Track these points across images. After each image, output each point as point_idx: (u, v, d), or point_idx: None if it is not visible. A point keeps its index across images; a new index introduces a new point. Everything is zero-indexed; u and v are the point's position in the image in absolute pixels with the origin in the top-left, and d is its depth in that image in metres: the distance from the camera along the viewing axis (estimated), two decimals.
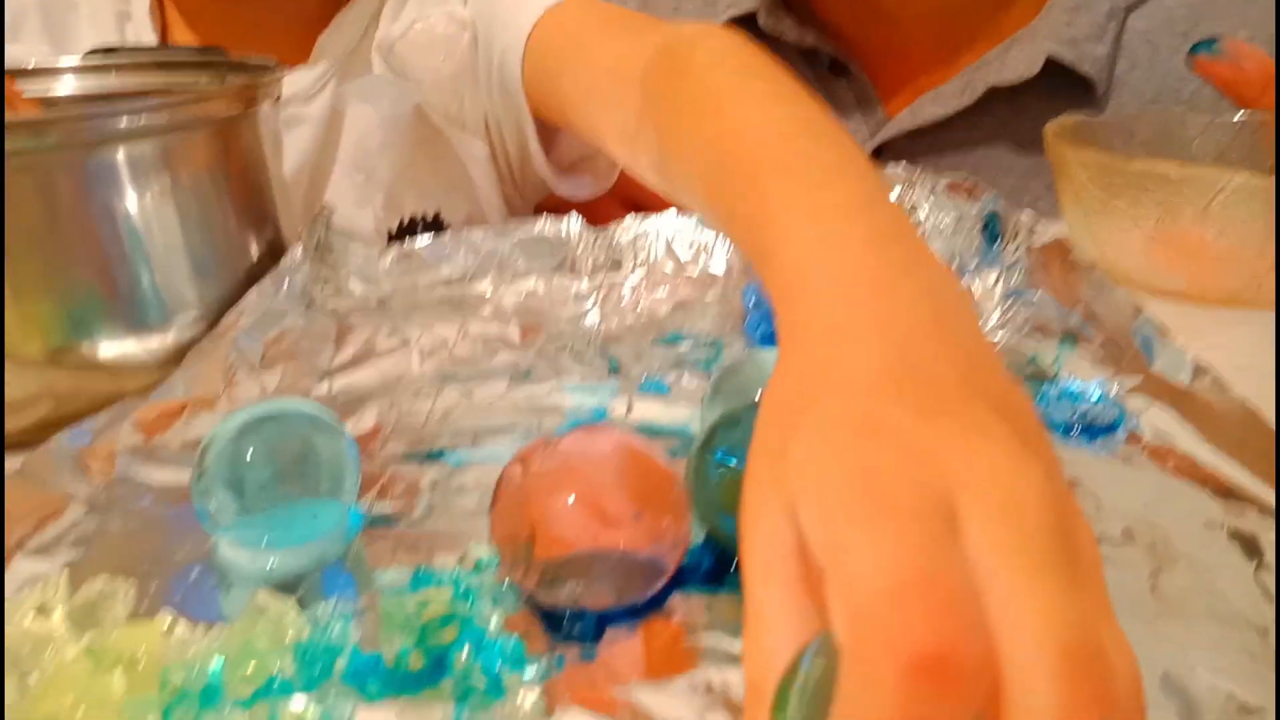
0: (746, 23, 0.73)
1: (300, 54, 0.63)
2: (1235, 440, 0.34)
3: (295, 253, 0.50)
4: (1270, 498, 0.31)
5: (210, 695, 0.26)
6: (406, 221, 0.64)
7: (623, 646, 0.28)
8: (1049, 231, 0.50)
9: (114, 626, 0.28)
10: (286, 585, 0.30)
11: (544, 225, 0.56)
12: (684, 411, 0.41)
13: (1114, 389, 0.39)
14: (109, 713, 0.25)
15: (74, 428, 0.37)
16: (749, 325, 0.50)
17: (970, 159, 0.70)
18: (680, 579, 0.30)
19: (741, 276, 0.54)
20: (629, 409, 0.42)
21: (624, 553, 0.28)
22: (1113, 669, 0.17)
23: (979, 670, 0.16)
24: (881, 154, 0.71)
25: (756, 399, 0.25)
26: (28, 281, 0.40)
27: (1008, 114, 0.68)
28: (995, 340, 0.46)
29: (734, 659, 0.27)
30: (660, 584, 0.29)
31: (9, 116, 0.40)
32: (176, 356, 0.43)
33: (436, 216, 0.65)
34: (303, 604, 0.29)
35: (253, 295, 0.45)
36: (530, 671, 0.27)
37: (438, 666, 0.27)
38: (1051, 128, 0.53)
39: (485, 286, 0.55)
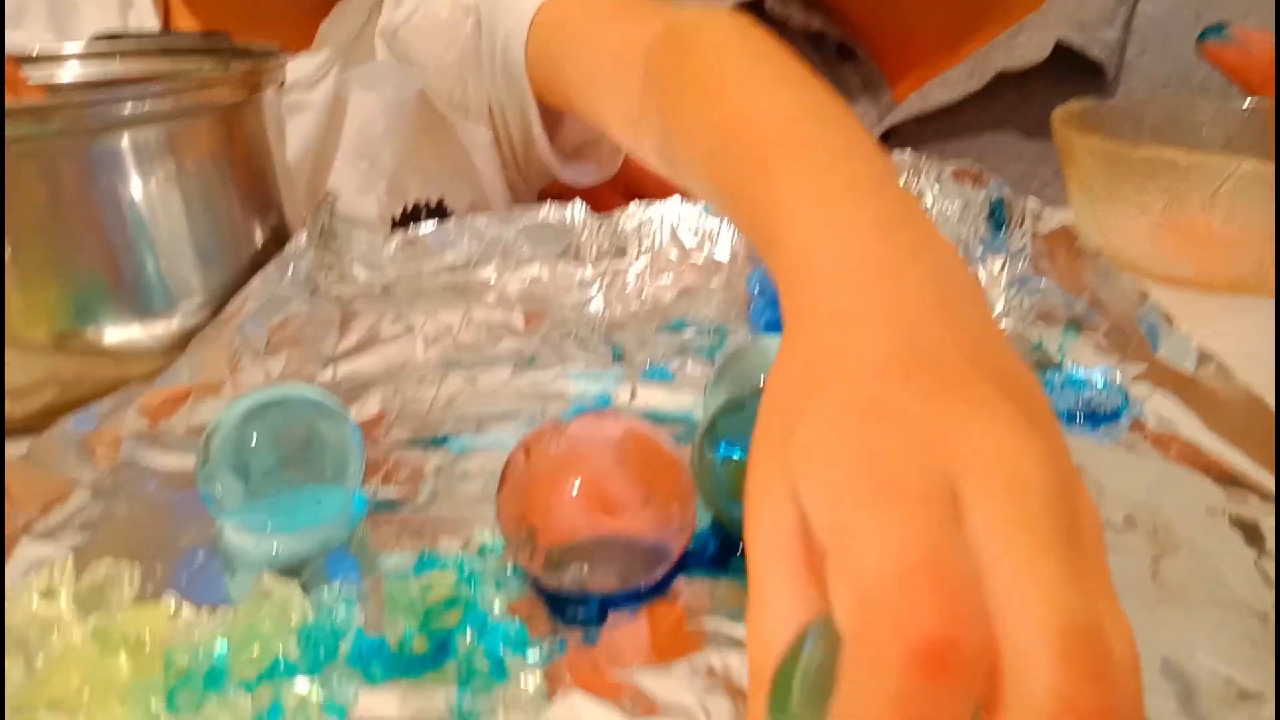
0: (753, 8, 0.73)
1: (303, 41, 0.63)
2: (1239, 427, 0.34)
3: (299, 239, 0.50)
4: (1272, 484, 0.31)
5: (215, 677, 0.26)
6: (410, 208, 0.64)
7: (625, 630, 0.28)
8: (1055, 218, 0.49)
9: (119, 610, 0.28)
10: (291, 570, 0.31)
11: (548, 212, 0.56)
12: (688, 398, 0.41)
13: (1118, 376, 0.39)
14: (114, 694, 0.25)
15: (79, 413, 0.38)
16: (753, 312, 0.50)
17: (978, 144, 0.70)
18: (685, 564, 0.30)
19: (746, 263, 0.54)
20: (633, 395, 0.42)
21: (630, 538, 0.28)
22: (1110, 650, 0.17)
23: (981, 655, 0.16)
24: (889, 139, 0.71)
25: (761, 384, 0.25)
26: (33, 268, 0.41)
27: (1016, 99, 0.68)
28: (1000, 327, 0.46)
29: (736, 643, 0.27)
30: (666, 569, 0.29)
31: (13, 102, 0.40)
32: (181, 342, 0.43)
33: (440, 203, 0.65)
34: (307, 588, 0.29)
35: (257, 281, 0.46)
36: (533, 655, 0.27)
37: (441, 649, 0.27)
38: (1059, 114, 0.53)
39: (489, 273, 0.55)
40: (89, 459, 0.37)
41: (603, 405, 0.41)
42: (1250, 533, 0.30)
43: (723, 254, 0.56)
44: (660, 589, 0.29)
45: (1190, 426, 0.35)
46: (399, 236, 0.56)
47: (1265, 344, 0.40)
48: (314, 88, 0.61)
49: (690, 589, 0.29)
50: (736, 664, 0.26)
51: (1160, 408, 0.37)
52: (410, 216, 0.64)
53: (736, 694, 0.25)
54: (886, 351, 0.21)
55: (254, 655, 0.26)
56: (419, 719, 0.25)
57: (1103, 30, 0.65)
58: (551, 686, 0.26)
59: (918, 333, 0.21)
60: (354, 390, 0.43)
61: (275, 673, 0.26)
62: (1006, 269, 0.50)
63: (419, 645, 0.27)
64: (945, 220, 0.54)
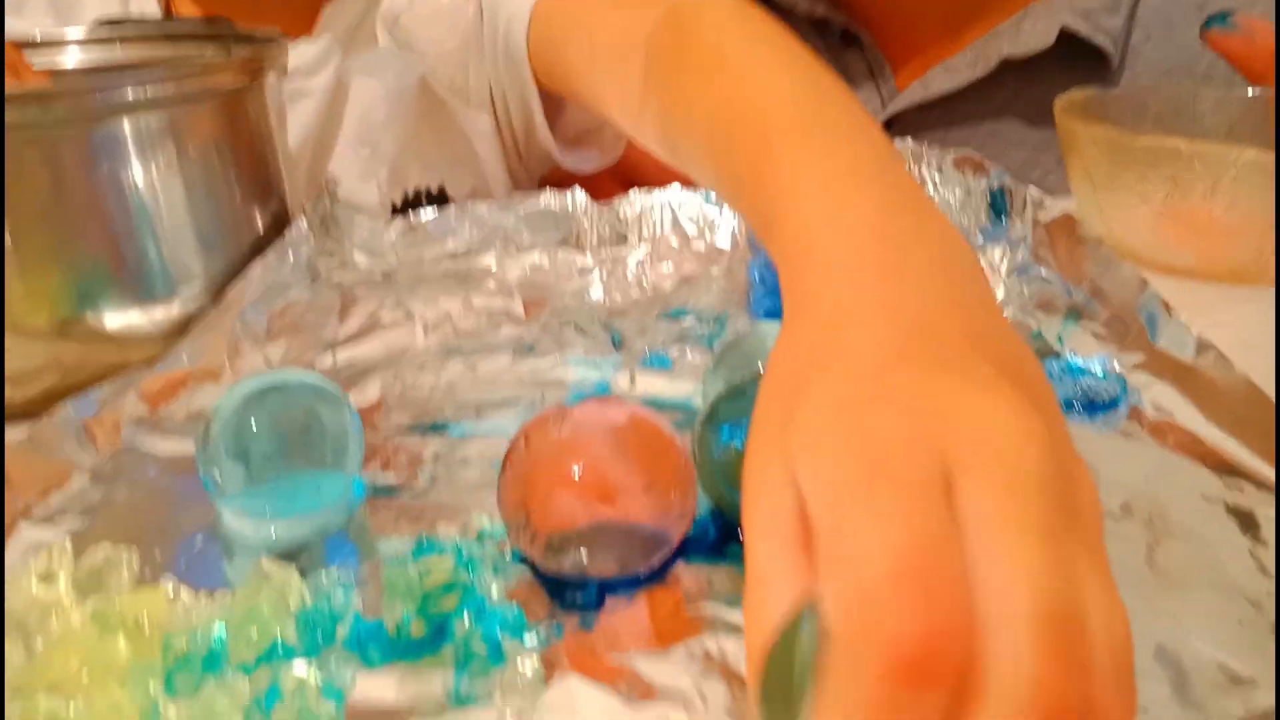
0: None
1: (304, 27, 0.63)
2: (1237, 417, 0.34)
3: (300, 225, 0.50)
4: (1269, 473, 0.31)
5: (213, 660, 0.26)
6: (411, 195, 0.64)
7: (623, 615, 0.28)
8: (1056, 207, 0.49)
9: (118, 593, 0.28)
10: (290, 554, 0.31)
11: (549, 199, 0.56)
12: (687, 386, 0.41)
13: (1117, 365, 0.39)
14: (113, 677, 0.25)
15: (79, 398, 0.38)
16: (753, 301, 0.49)
17: (982, 131, 0.69)
18: (684, 550, 0.30)
19: (747, 252, 0.54)
20: (632, 383, 0.42)
21: (630, 524, 0.28)
22: (1091, 636, 0.16)
23: (963, 657, 0.16)
24: (891, 127, 0.71)
25: (760, 371, 0.25)
26: (34, 253, 0.41)
27: (1020, 86, 0.67)
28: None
29: (734, 628, 0.27)
30: (665, 555, 0.29)
31: (16, 87, 0.40)
32: (182, 328, 0.43)
33: (441, 190, 0.65)
34: (305, 572, 0.29)
35: (257, 267, 0.46)
36: (530, 639, 0.27)
37: (439, 634, 0.27)
38: (1061, 102, 0.53)
39: (489, 260, 0.55)
40: (89, 444, 0.37)
41: (602, 392, 0.42)
42: (1245, 520, 0.30)
43: (723, 242, 0.56)
44: (659, 575, 0.29)
45: (1188, 415, 0.35)
46: (400, 223, 0.56)
47: (1265, 334, 0.40)
48: (315, 74, 0.61)
49: (689, 574, 0.29)
50: (733, 649, 0.26)
51: (1158, 396, 0.37)
52: (411, 203, 0.64)
53: (733, 678, 0.26)
54: (887, 336, 0.21)
55: (252, 638, 0.26)
56: (416, 702, 0.25)
57: (1107, 18, 0.64)
58: (549, 670, 0.26)
59: (920, 317, 0.21)
60: (354, 376, 0.43)
61: (273, 656, 0.27)
62: (1007, 257, 0.49)
63: (417, 629, 0.27)
64: (946, 209, 0.54)
